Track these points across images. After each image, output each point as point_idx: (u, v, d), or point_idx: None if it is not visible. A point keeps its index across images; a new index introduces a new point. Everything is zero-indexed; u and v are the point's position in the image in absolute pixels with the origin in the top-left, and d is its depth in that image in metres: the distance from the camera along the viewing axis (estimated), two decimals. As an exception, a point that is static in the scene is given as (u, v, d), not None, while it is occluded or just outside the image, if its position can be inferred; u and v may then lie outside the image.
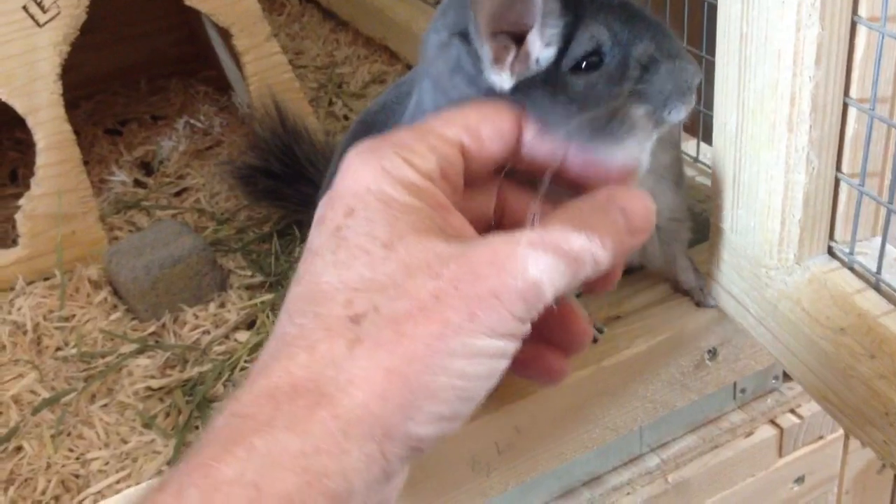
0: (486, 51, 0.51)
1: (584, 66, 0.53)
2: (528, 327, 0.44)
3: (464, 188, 0.49)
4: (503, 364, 0.44)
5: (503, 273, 0.42)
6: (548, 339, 0.51)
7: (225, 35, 1.08)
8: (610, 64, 0.53)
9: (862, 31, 0.54)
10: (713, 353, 0.72)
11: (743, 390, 0.81)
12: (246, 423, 0.40)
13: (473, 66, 0.53)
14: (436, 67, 0.56)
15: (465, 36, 0.53)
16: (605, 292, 0.73)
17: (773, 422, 0.83)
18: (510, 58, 0.52)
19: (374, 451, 0.40)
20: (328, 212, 0.46)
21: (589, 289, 0.54)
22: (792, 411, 0.83)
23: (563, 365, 0.52)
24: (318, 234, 0.46)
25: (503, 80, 0.52)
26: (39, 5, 0.92)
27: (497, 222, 0.53)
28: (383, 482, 0.41)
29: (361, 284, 0.43)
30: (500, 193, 0.53)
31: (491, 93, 0.53)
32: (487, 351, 0.42)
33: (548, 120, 0.50)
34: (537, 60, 0.52)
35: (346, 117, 1.21)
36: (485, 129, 0.49)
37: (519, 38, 0.52)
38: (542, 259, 0.43)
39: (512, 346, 0.43)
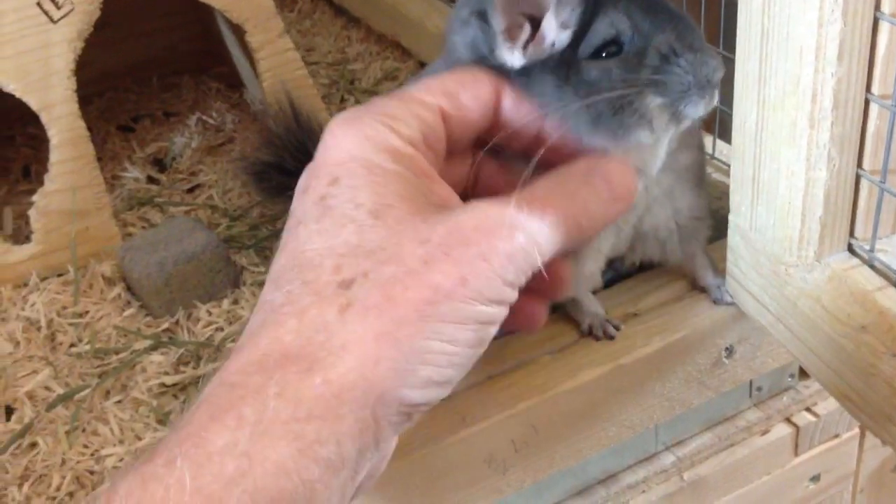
0: (498, 24, 0.51)
1: (602, 55, 0.52)
2: (516, 294, 0.43)
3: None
4: (493, 330, 0.43)
5: (492, 238, 0.42)
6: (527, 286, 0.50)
7: (238, 31, 1.08)
8: (628, 52, 0.52)
9: (884, 27, 0.53)
10: (730, 350, 0.72)
11: (759, 388, 0.80)
12: (235, 391, 0.39)
13: (487, 45, 0.52)
14: (451, 42, 0.56)
15: (483, 15, 0.52)
16: (624, 289, 0.73)
17: (788, 420, 0.82)
18: (524, 36, 0.51)
19: (367, 416, 0.40)
20: (312, 181, 0.45)
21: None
22: (808, 409, 0.83)
23: (541, 310, 0.51)
24: (302, 204, 0.45)
25: (514, 58, 0.51)
26: (54, 2, 0.92)
27: (470, 192, 0.52)
28: (374, 449, 0.41)
29: (349, 250, 0.42)
30: (473, 163, 0.52)
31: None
32: (477, 317, 0.42)
33: (552, 105, 0.50)
34: (553, 44, 0.52)
35: (358, 114, 1.21)
36: (463, 95, 0.49)
37: (536, 23, 0.52)
38: (529, 224, 0.43)
39: (501, 312, 0.43)
